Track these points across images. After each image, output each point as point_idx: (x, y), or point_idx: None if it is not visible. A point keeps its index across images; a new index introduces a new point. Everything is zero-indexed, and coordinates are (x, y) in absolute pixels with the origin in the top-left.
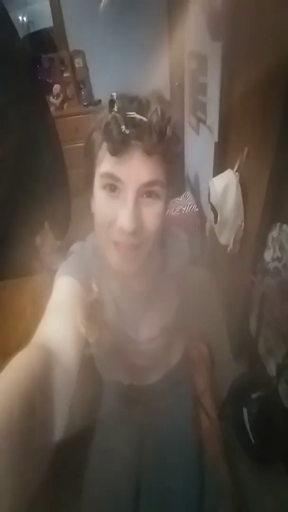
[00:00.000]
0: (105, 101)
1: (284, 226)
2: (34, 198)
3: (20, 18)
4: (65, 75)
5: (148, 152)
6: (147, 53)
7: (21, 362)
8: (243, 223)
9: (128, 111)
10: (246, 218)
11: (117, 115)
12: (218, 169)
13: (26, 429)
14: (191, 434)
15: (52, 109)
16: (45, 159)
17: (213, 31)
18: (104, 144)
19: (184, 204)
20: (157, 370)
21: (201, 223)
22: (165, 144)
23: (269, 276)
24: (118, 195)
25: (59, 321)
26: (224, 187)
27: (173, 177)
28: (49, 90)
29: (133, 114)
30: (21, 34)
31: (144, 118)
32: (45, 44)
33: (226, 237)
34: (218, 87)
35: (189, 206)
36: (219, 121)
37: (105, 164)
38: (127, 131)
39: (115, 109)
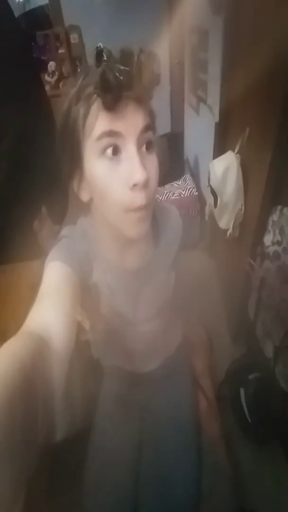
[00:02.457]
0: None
1: (285, 209)
2: (31, 183)
3: None
4: (60, 51)
5: (140, 100)
6: (146, 28)
7: (10, 349)
8: (243, 207)
9: (115, 63)
10: (246, 201)
11: (109, 64)
12: (219, 151)
13: (21, 415)
14: (189, 414)
15: (47, 88)
16: (42, 142)
17: (214, 4)
18: (95, 105)
19: (183, 187)
20: (156, 357)
21: (201, 207)
22: (151, 88)
23: (269, 260)
24: (119, 158)
25: (50, 307)
26: (224, 169)
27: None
28: (44, 68)
29: (120, 66)
30: (16, 13)
31: (129, 69)
32: (41, 21)
33: (226, 221)
34: (219, 64)
35: (189, 190)
36: (220, 100)
37: (100, 124)
38: (120, 78)
39: (105, 58)
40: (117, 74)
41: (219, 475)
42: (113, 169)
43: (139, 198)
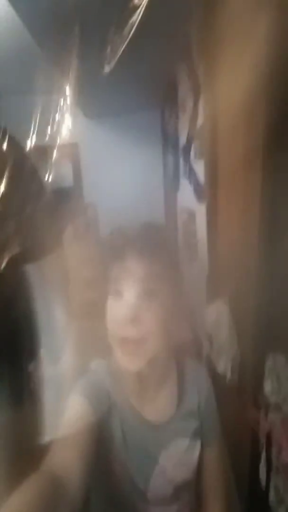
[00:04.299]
0: None
1: (278, 356)
2: (31, 324)
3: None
4: (78, 220)
5: (141, 254)
6: (148, 208)
7: (30, 487)
8: (238, 352)
9: (123, 230)
10: (240, 346)
11: (114, 232)
12: (210, 299)
13: None
14: None
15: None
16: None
17: (199, 196)
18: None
19: None
20: None
21: (198, 351)
22: (154, 246)
23: (272, 412)
24: (122, 299)
25: (69, 448)
26: (216, 315)
27: (173, 274)
28: (63, 231)
29: (125, 231)
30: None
31: (131, 232)
32: (65, 197)
33: (223, 365)
34: (205, 235)
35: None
36: (208, 260)
37: (112, 272)
38: (119, 241)
39: (115, 230)
40: (117, 239)
41: None
42: (116, 304)
43: (128, 330)
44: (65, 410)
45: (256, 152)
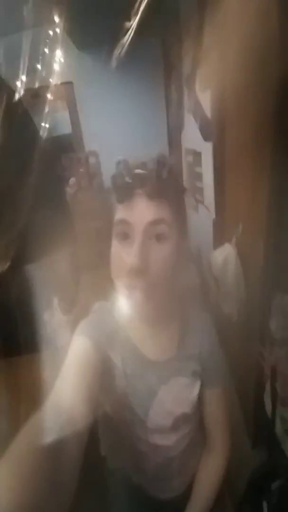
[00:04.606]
0: None
1: (285, 296)
2: (43, 274)
3: (43, 124)
4: (80, 170)
5: (150, 197)
6: (150, 151)
7: (37, 423)
8: (245, 293)
9: (132, 168)
10: (247, 287)
11: (122, 170)
12: (218, 243)
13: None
14: None
15: (68, 196)
16: (57, 237)
17: (205, 134)
18: (114, 198)
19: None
20: (172, 487)
21: (205, 294)
22: (164, 188)
23: (277, 347)
24: (129, 243)
25: (73, 384)
26: (223, 259)
27: (180, 218)
28: (66, 182)
29: (136, 170)
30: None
31: (143, 171)
32: (65, 146)
33: (230, 307)
34: (212, 177)
35: None
36: (214, 202)
37: (117, 213)
38: (129, 180)
39: (121, 166)
40: (127, 177)
41: None
42: (122, 249)
43: (135, 278)
44: (69, 350)
45: (270, 80)
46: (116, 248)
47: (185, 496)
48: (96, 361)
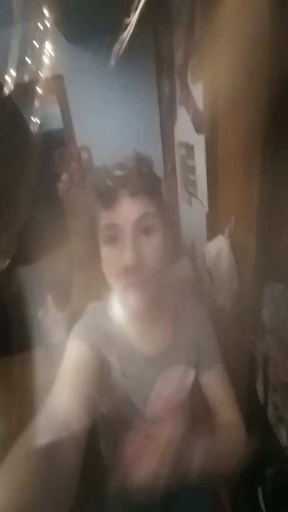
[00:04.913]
0: None
1: (276, 284)
2: (37, 272)
3: (33, 119)
4: (72, 165)
5: (134, 194)
6: (143, 145)
7: (32, 434)
8: (237, 284)
9: (112, 171)
10: (240, 278)
11: (103, 175)
12: (211, 235)
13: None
14: None
15: (60, 192)
16: (50, 235)
17: (197, 126)
18: (99, 204)
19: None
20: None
21: (199, 286)
22: (145, 183)
23: (269, 335)
24: (119, 244)
25: (70, 389)
26: (216, 252)
27: (162, 206)
28: (58, 178)
29: (115, 172)
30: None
31: (123, 172)
32: (56, 141)
33: (223, 298)
34: (204, 170)
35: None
36: (207, 195)
37: (103, 219)
38: (111, 184)
39: (101, 172)
40: (108, 181)
41: None
42: (113, 252)
43: (131, 276)
44: (64, 356)
45: (263, 72)
46: (107, 253)
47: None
48: (93, 364)
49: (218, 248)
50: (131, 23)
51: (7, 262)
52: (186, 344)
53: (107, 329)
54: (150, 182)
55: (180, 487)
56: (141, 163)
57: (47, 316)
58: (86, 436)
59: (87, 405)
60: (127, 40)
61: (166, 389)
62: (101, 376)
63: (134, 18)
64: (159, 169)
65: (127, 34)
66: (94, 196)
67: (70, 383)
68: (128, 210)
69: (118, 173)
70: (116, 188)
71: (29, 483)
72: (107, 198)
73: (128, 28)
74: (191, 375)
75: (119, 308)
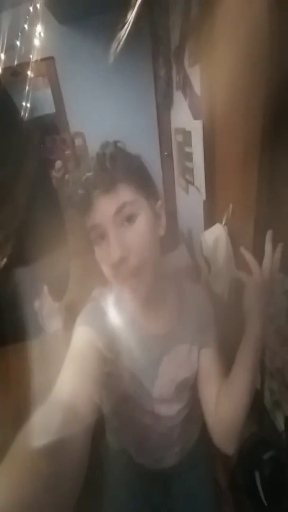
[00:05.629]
0: None
1: None
2: (34, 263)
3: (24, 104)
4: (66, 152)
5: (106, 191)
6: (139, 131)
7: (41, 420)
8: (235, 272)
9: (81, 177)
10: (237, 267)
11: (74, 185)
12: (208, 223)
13: (50, 482)
14: None
15: (53, 181)
16: (46, 225)
17: (194, 112)
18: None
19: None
20: (173, 454)
21: (196, 274)
22: (115, 175)
23: (266, 323)
24: (105, 241)
25: (76, 375)
26: (214, 240)
27: (142, 185)
28: (52, 165)
29: (83, 178)
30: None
31: (90, 174)
32: (48, 127)
33: (220, 287)
34: (201, 156)
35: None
36: (205, 182)
37: (86, 222)
38: (83, 191)
39: (71, 182)
40: (80, 190)
41: None
42: (103, 249)
43: (122, 266)
44: (72, 340)
45: (262, 57)
46: (98, 252)
47: (184, 465)
48: (100, 348)
49: (215, 236)
50: (126, 4)
51: (3, 255)
52: (190, 323)
53: (112, 312)
54: (120, 170)
55: (182, 466)
56: (104, 159)
57: (43, 307)
58: (94, 422)
59: (94, 389)
60: (122, 21)
61: (173, 367)
62: (108, 360)
63: (131, 16)
64: (155, 156)
65: (125, 32)
66: (71, 207)
67: (77, 368)
68: (105, 208)
69: (86, 176)
70: (88, 192)
71: (35, 472)
72: (83, 205)
73: (123, 8)
74: (195, 352)
75: (121, 296)
